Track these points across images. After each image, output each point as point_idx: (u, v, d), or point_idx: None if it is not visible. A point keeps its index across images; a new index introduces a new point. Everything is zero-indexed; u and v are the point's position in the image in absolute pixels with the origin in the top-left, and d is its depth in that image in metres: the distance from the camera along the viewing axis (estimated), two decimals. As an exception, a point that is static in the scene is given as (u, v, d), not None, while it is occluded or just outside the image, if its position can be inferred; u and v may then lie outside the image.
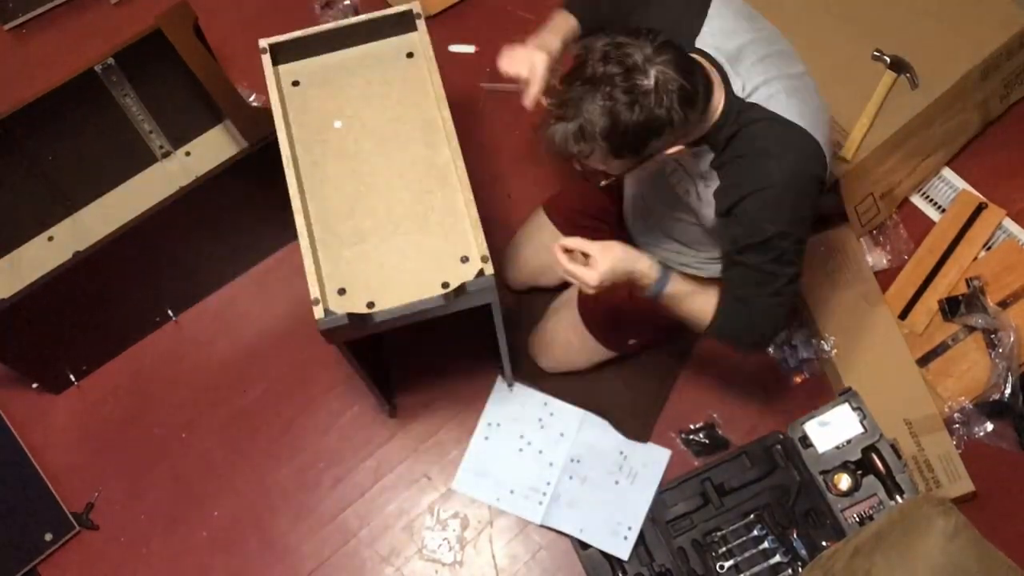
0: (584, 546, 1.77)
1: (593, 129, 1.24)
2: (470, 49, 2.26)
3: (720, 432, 1.88)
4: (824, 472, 1.72)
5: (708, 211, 1.45)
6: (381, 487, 1.90)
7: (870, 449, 1.72)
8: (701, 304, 1.47)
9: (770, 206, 1.35)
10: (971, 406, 1.87)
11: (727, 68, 1.36)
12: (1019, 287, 1.95)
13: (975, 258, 2.00)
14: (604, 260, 1.42)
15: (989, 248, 2.02)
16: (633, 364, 1.90)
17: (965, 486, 1.79)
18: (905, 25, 1.99)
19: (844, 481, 1.71)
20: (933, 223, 2.06)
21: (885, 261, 2.02)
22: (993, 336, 1.88)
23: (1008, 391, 1.84)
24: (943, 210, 2.07)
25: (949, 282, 1.97)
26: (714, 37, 1.39)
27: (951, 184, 2.09)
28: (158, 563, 1.85)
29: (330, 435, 1.94)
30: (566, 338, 1.85)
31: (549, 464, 1.84)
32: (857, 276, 1.96)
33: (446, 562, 1.83)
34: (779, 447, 1.78)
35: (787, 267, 1.40)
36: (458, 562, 1.83)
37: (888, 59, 1.94)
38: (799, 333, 1.95)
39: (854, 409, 1.74)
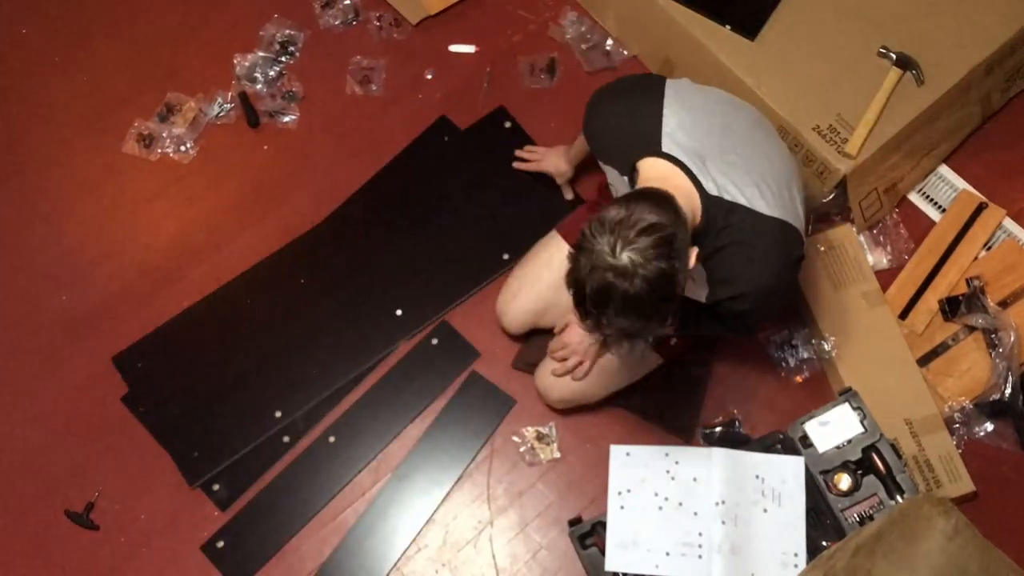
0: (584, 545, 1.77)
1: (624, 332, 1.36)
2: (470, 49, 2.26)
3: (740, 429, 1.88)
4: (824, 472, 1.72)
5: (700, 293, 1.55)
6: (381, 487, 1.90)
7: (870, 449, 1.72)
8: None
9: (759, 306, 1.50)
10: (971, 406, 1.87)
11: (695, 169, 1.43)
12: (1019, 287, 1.95)
13: (975, 258, 2.00)
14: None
15: (989, 248, 2.02)
16: (668, 362, 1.88)
17: (965, 486, 1.79)
18: (911, 21, 1.99)
19: (844, 481, 1.70)
20: (933, 223, 2.06)
21: (885, 261, 2.02)
22: (993, 336, 1.88)
23: (1008, 391, 1.84)
24: (943, 210, 2.07)
25: (949, 282, 1.97)
26: (675, 136, 1.46)
27: (951, 184, 2.09)
28: (158, 563, 1.85)
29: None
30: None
31: (694, 514, 1.71)
32: (857, 276, 1.96)
33: (446, 561, 1.83)
34: (779, 447, 1.78)
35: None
36: (459, 561, 1.83)
37: (894, 56, 1.95)
38: (799, 333, 1.95)
39: (854, 409, 1.74)
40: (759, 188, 1.45)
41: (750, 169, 1.47)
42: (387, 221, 2.10)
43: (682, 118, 1.49)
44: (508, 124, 2.18)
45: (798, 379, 1.94)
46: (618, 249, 1.27)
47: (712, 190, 1.43)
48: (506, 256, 2.05)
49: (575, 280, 1.32)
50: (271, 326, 2.01)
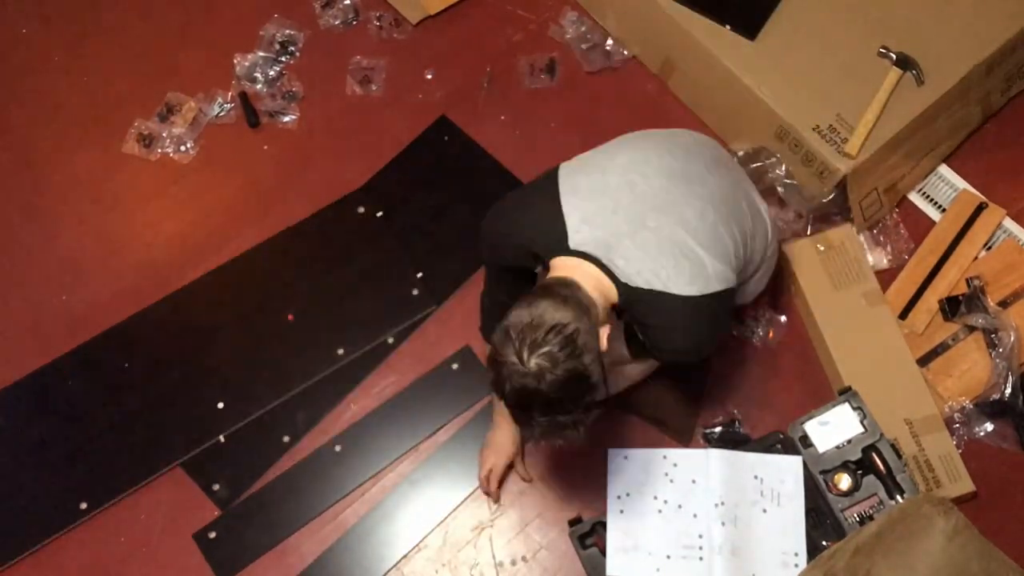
0: (584, 545, 1.77)
1: (560, 425, 1.38)
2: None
3: (740, 429, 1.88)
4: (824, 472, 1.72)
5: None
6: (381, 487, 1.89)
7: (870, 449, 1.72)
8: (641, 372, 1.73)
9: (686, 360, 1.55)
10: (971, 406, 1.87)
11: (605, 261, 1.43)
12: (1019, 287, 1.95)
13: (975, 258, 2.00)
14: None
15: (989, 248, 2.01)
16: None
17: (965, 486, 1.79)
18: (911, 21, 1.99)
19: (844, 481, 1.71)
20: (933, 223, 2.06)
21: (885, 261, 2.02)
22: (993, 336, 1.88)
23: (1008, 391, 1.84)
24: (943, 210, 2.06)
25: (949, 282, 1.97)
26: (581, 232, 1.45)
27: (951, 184, 2.09)
28: (158, 563, 1.85)
29: (329, 435, 1.94)
30: None
31: (693, 516, 1.72)
32: (857, 276, 1.96)
33: (446, 561, 1.83)
34: (779, 447, 1.78)
35: None
36: (459, 561, 1.83)
37: (894, 56, 1.94)
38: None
39: (854, 409, 1.74)
40: (677, 265, 1.44)
41: (662, 241, 1.45)
42: (388, 213, 2.11)
43: (584, 210, 1.47)
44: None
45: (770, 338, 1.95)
46: (525, 356, 1.31)
47: (623, 278, 1.43)
48: None
49: (496, 389, 1.36)
50: (267, 309, 2.02)
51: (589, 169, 1.54)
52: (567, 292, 1.37)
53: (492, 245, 1.59)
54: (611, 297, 1.44)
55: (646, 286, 1.43)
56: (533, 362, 1.30)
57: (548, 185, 1.52)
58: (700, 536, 1.70)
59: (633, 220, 1.46)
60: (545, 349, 1.30)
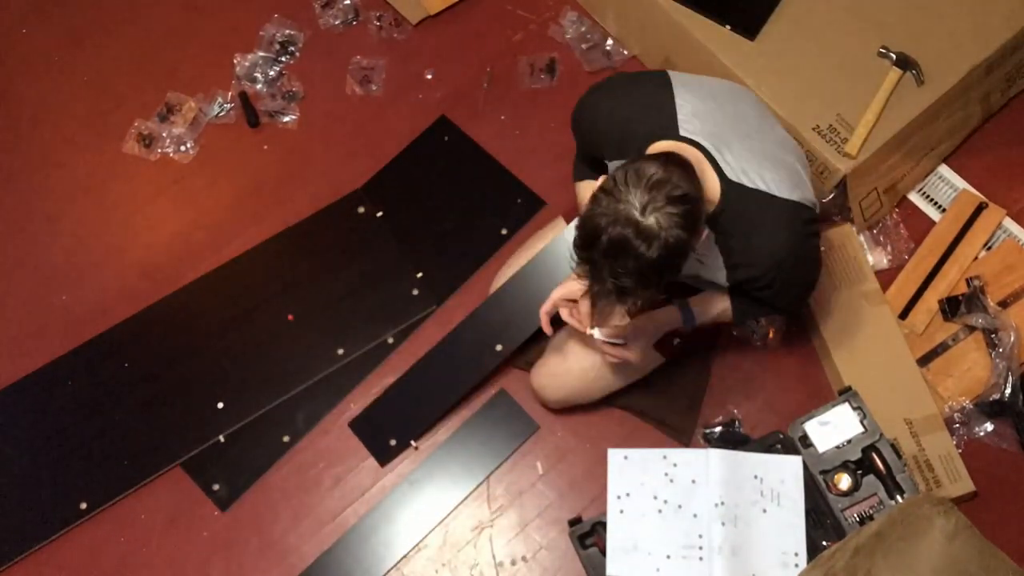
0: (584, 545, 1.77)
1: (629, 292, 1.31)
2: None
3: (740, 429, 1.88)
4: (824, 472, 1.72)
5: (718, 275, 1.57)
6: (381, 487, 1.90)
7: (870, 449, 1.72)
8: (722, 312, 1.68)
9: (781, 282, 1.51)
10: (971, 406, 1.87)
11: (715, 153, 1.43)
12: (1019, 287, 1.95)
13: (975, 258, 2.00)
14: (636, 342, 1.66)
15: (989, 248, 2.02)
16: (669, 363, 1.88)
17: (965, 486, 1.79)
18: (911, 21, 1.99)
19: (844, 481, 1.70)
20: (933, 223, 2.06)
21: (885, 261, 2.02)
22: (993, 336, 1.88)
23: (1008, 391, 1.84)
24: (943, 210, 2.07)
25: (949, 282, 1.97)
26: (692, 123, 1.46)
27: (951, 184, 2.09)
28: (158, 563, 1.85)
29: (330, 435, 1.94)
30: (581, 369, 1.80)
31: (693, 516, 1.71)
32: (857, 275, 1.96)
33: (446, 561, 1.83)
34: (779, 447, 1.78)
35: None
36: (459, 561, 1.83)
37: (894, 56, 1.95)
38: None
39: (854, 409, 1.74)
40: (778, 171, 1.47)
41: (767, 150, 1.49)
42: (388, 213, 2.11)
43: (695, 105, 1.48)
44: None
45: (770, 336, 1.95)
46: (649, 210, 1.25)
47: (732, 175, 1.43)
48: (504, 231, 2.06)
49: (590, 223, 1.28)
50: (267, 309, 2.02)
51: (696, 79, 1.57)
52: (692, 171, 1.33)
53: (591, 119, 1.56)
54: (708, 194, 1.40)
55: (751, 185, 1.43)
56: (653, 218, 1.25)
57: (657, 75, 1.54)
58: (700, 536, 1.70)
59: (739, 127, 1.49)
60: (670, 211, 1.25)
